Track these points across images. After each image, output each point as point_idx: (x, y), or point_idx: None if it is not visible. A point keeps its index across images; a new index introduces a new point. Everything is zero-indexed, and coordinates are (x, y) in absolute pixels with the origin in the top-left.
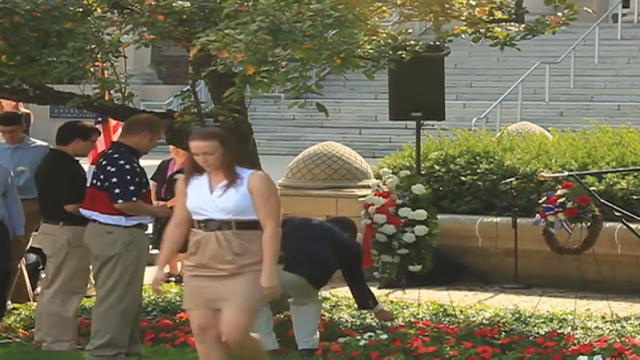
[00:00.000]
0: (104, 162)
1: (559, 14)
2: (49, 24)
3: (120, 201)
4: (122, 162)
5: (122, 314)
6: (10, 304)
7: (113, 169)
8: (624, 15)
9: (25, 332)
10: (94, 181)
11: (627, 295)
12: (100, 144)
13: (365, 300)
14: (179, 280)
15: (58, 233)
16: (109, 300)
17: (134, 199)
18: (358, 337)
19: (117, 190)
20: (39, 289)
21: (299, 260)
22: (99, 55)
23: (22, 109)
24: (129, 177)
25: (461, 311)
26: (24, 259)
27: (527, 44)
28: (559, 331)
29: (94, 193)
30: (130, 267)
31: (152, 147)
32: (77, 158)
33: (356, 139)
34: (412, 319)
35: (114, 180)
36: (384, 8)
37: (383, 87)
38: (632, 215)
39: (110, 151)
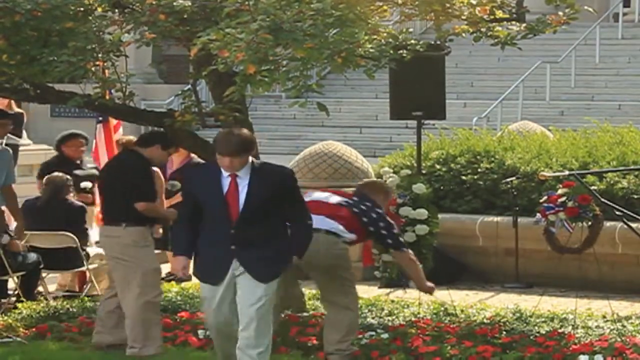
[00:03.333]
0: (369, 204)
1: (560, 13)
2: (49, 23)
3: (395, 250)
4: (379, 210)
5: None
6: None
7: (376, 214)
8: (624, 14)
9: (26, 332)
10: (355, 210)
11: (628, 295)
12: (101, 144)
13: None
14: (179, 279)
15: (123, 234)
16: (342, 305)
17: (404, 249)
18: (359, 337)
19: (389, 241)
20: (40, 288)
21: None
22: (99, 55)
23: (16, 108)
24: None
25: (462, 310)
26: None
27: (528, 43)
28: (559, 330)
29: (343, 212)
30: (350, 273)
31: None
32: None
33: (357, 138)
34: (413, 318)
35: (385, 232)
36: (385, 7)
37: (384, 87)
38: (633, 215)
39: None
